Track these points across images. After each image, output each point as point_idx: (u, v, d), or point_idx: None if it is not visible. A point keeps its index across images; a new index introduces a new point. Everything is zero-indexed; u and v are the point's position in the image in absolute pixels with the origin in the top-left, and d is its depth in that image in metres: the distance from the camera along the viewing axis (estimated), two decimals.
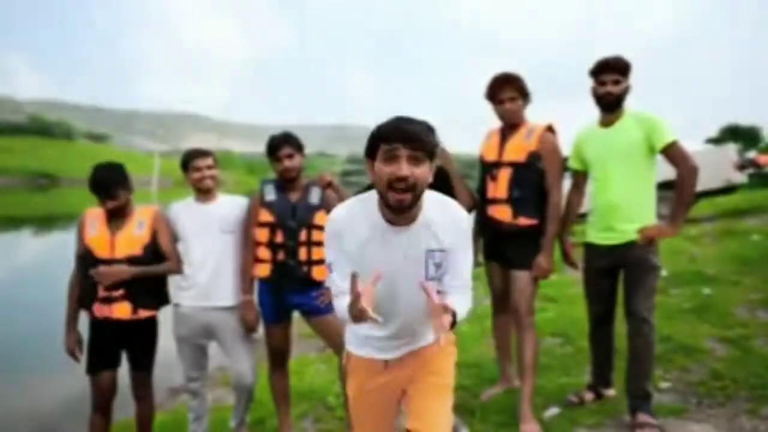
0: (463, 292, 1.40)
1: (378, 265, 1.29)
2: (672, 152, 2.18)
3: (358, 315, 1.20)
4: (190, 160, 2.37)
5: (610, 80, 2.27)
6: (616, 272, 2.33)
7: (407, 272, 1.34)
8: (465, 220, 1.41)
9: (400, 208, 1.27)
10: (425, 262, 1.35)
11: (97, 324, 2.26)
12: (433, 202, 1.37)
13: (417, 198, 1.27)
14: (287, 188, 2.35)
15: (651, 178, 2.28)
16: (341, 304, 1.34)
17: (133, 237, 2.26)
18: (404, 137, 1.23)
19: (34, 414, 3.64)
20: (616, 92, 2.27)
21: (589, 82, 2.34)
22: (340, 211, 1.39)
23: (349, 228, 1.35)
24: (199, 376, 2.46)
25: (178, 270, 2.34)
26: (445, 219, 1.36)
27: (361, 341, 1.50)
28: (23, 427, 3.50)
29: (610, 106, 2.30)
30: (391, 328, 1.43)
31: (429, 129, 1.35)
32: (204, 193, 2.39)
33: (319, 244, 2.31)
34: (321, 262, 2.34)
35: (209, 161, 2.38)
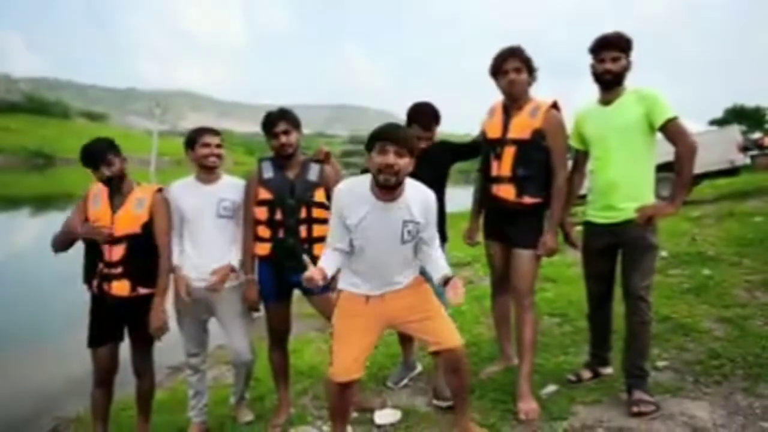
0: (441, 253, 1.97)
1: (369, 230, 1.81)
2: (671, 129, 2.14)
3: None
4: (198, 136, 2.35)
5: (609, 57, 2.20)
6: (615, 251, 2.31)
7: (389, 236, 1.82)
8: (433, 199, 1.90)
9: (386, 186, 1.75)
10: (402, 230, 1.82)
11: (98, 299, 2.26)
12: (410, 186, 1.84)
13: (399, 182, 1.76)
14: (285, 165, 2.32)
15: (650, 157, 2.25)
16: (325, 254, 1.90)
17: (132, 215, 2.25)
18: (393, 139, 1.72)
19: (36, 390, 3.68)
20: (616, 70, 2.21)
21: (586, 60, 2.27)
22: (344, 186, 1.88)
23: (349, 202, 1.82)
24: (199, 351, 2.47)
25: (169, 268, 2.30)
26: (419, 198, 1.84)
27: (350, 283, 1.94)
28: (26, 403, 3.54)
29: (609, 84, 2.24)
30: (375, 281, 1.91)
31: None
32: (207, 171, 2.36)
33: (319, 221, 2.30)
34: (322, 239, 2.29)
35: (218, 140, 2.38)
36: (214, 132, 2.40)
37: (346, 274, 1.99)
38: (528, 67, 2.30)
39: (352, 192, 1.83)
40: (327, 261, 1.88)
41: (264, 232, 2.29)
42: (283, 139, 2.25)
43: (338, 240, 1.89)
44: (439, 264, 1.92)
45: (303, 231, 2.27)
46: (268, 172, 2.31)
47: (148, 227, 2.26)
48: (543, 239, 2.31)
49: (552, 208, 2.31)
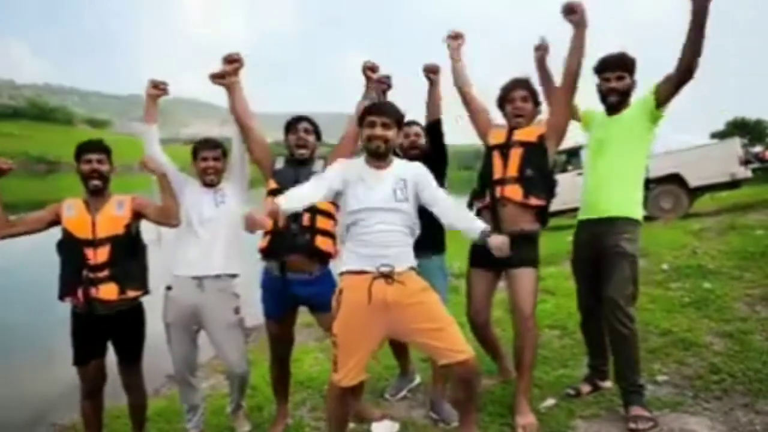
0: (463, 207, 2.14)
1: (364, 193, 1.92)
2: (661, 85, 2.16)
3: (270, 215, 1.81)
4: (199, 149, 2.41)
5: (613, 77, 2.26)
6: (599, 262, 2.29)
7: (382, 196, 1.91)
8: (422, 167, 2.03)
9: (377, 154, 1.94)
10: (393, 188, 1.92)
11: (80, 316, 2.21)
12: (397, 161, 2.04)
13: (388, 149, 1.96)
14: (295, 163, 2.35)
15: (644, 159, 2.29)
16: (297, 190, 1.94)
17: (114, 217, 2.26)
18: (378, 112, 1.94)
19: (33, 398, 3.66)
20: (620, 88, 2.26)
21: (587, 75, 2.32)
22: (342, 159, 2.08)
23: (345, 166, 2.00)
24: (190, 369, 2.40)
25: (177, 213, 2.31)
26: (406, 167, 2.01)
27: (352, 261, 1.91)
28: (22, 410, 3.52)
29: (615, 104, 2.29)
30: (377, 251, 1.87)
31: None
32: (207, 185, 2.40)
33: (323, 213, 2.25)
34: (325, 232, 2.26)
35: (217, 153, 2.41)
36: (214, 145, 2.42)
37: (347, 255, 1.95)
38: (534, 97, 2.37)
39: (349, 162, 2.04)
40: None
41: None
42: (302, 134, 2.32)
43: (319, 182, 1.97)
44: (466, 217, 1.99)
45: (306, 219, 2.21)
46: (279, 164, 2.37)
47: (130, 228, 2.27)
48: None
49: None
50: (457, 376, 1.84)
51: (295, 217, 2.20)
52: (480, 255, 2.44)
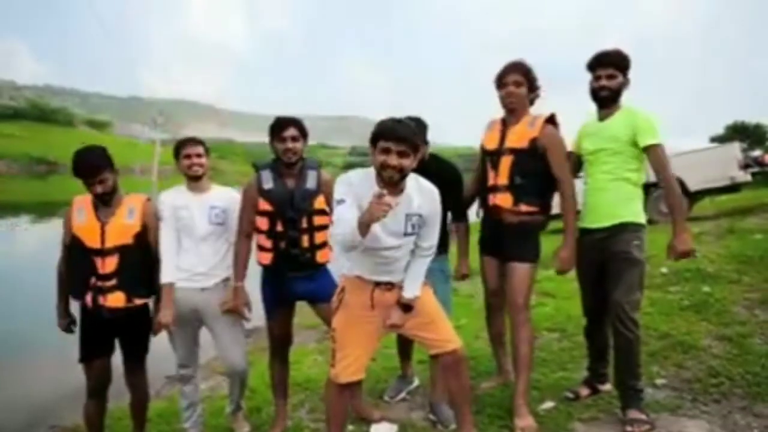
0: (426, 255, 1.94)
1: (374, 224, 1.72)
2: (651, 156, 2.18)
3: (376, 209, 1.59)
4: (181, 147, 2.42)
5: (605, 74, 2.24)
6: (605, 267, 2.29)
7: (392, 229, 1.81)
8: (437, 193, 1.88)
9: (390, 182, 1.75)
10: (405, 222, 1.82)
11: (88, 313, 2.22)
12: (413, 181, 1.84)
13: (402, 177, 1.77)
14: (284, 174, 2.31)
15: (639, 167, 2.27)
16: (346, 223, 1.71)
17: (124, 226, 2.23)
18: (395, 138, 1.71)
19: (32, 400, 3.66)
20: (611, 86, 2.24)
21: (586, 77, 2.31)
22: (353, 174, 1.84)
23: (359, 189, 1.78)
24: (190, 363, 2.45)
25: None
26: (422, 192, 1.84)
27: (353, 266, 1.91)
28: (21, 412, 3.52)
29: (604, 100, 2.28)
30: (381, 275, 1.90)
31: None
32: (193, 180, 2.40)
33: (321, 228, 2.29)
34: (324, 245, 2.32)
35: (199, 149, 2.41)
36: (196, 142, 2.44)
37: (349, 267, 1.95)
38: (529, 81, 2.31)
39: (359, 181, 1.81)
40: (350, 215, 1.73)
41: (266, 242, 2.29)
42: (290, 144, 2.26)
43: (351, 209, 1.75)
44: (415, 273, 1.91)
45: (305, 240, 2.26)
46: (268, 183, 2.29)
47: (140, 237, 2.25)
48: (560, 255, 2.26)
49: (565, 222, 2.27)
50: (446, 365, 1.94)
51: (295, 242, 2.25)
52: (489, 243, 2.49)
